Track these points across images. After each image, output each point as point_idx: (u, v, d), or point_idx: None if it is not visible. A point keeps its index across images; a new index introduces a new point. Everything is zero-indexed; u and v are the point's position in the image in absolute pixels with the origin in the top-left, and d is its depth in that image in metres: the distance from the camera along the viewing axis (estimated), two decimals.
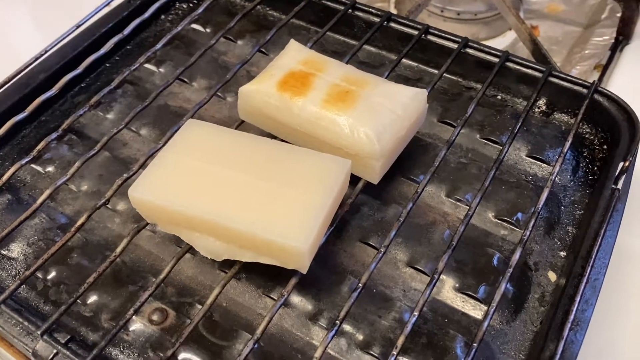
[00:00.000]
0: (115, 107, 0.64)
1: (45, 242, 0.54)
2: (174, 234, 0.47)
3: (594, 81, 0.59)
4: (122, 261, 0.52)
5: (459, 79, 0.66)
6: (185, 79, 0.66)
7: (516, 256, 0.47)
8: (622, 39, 0.81)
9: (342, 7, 0.67)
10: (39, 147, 0.55)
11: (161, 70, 0.68)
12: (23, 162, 0.54)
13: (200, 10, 0.67)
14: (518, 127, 0.55)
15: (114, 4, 0.70)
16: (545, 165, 0.59)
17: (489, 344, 0.47)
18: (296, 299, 0.50)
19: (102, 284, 0.50)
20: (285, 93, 0.52)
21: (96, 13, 0.67)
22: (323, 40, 0.68)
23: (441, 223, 0.54)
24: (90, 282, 0.46)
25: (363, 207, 0.55)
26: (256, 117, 0.55)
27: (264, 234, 0.42)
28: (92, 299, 0.50)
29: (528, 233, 0.48)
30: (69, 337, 0.45)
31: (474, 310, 0.49)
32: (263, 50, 0.68)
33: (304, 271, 0.45)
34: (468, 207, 0.50)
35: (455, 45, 0.64)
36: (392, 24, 0.67)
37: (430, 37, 0.65)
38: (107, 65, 0.69)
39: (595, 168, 0.58)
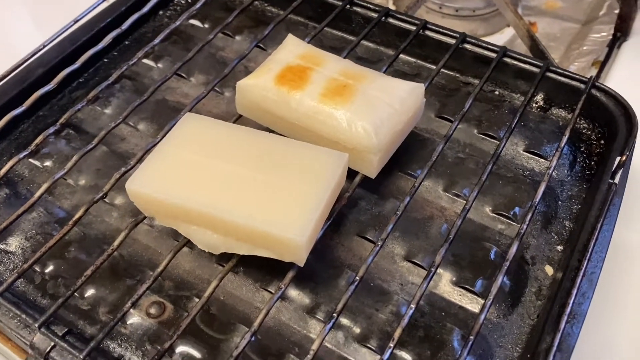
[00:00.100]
0: (113, 102, 0.64)
1: (43, 236, 0.54)
2: (171, 227, 0.48)
3: (591, 76, 0.60)
4: (120, 255, 0.52)
5: (457, 75, 0.66)
6: (183, 74, 0.66)
7: (513, 250, 0.47)
8: (619, 35, 0.81)
9: (340, 3, 0.67)
10: (37, 141, 0.55)
11: (159, 65, 0.68)
12: (21, 156, 0.54)
13: (198, 5, 0.67)
14: (515, 121, 0.56)
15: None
16: (543, 160, 0.59)
17: (486, 337, 0.48)
18: (293, 293, 0.50)
19: (99, 277, 0.50)
20: (283, 87, 0.52)
21: (94, 8, 0.67)
22: (321, 35, 0.68)
23: (438, 217, 0.55)
24: (87, 275, 0.46)
25: (360, 201, 0.55)
26: (254, 111, 0.55)
27: (261, 226, 0.42)
28: (90, 292, 0.50)
29: (525, 227, 0.48)
30: (66, 329, 0.45)
31: (471, 303, 0.49)
32: (261, 45, 0.68)
33: (301, 264, 0.45)
34: (465, 202, 0.50)
35: (453, 41, 0.64)
36: (390, 20, 0.67)
37: (428, 33, 0.65)
38: (105, 60, 0.69)
39: (593, 163, 0.59)
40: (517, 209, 0.54)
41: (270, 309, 0.44)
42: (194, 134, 0.48)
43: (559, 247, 0.53)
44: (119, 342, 0.48)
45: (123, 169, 0.52)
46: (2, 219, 0.54)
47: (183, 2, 0.76)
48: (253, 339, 0.43)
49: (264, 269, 0.51)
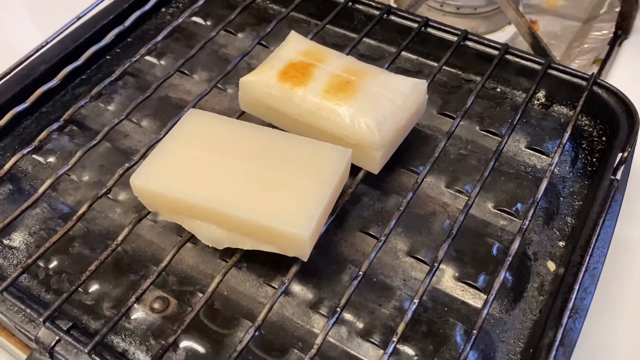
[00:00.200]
0: (116, 98, 0.64)
1: (47, 232, 0.54)
2: (175, 222, 0.48)
3: (593, 73, 0.60)
4: (124, 250, 0.52)
5: (459, 72, 0.66)
6: (186, 71, 0.67)
7: (515, 245, 0.47)
8: (620, 33, 0.81)
9: (342, 0, 0.67)
10: (41, 137, 0.55)
11: (162, 62, 0.68)
12: (25, 152, 0.54)
13: (200, 2, 0.67)
14: (517, 118, 0.56)
15: None
16: (545, 156, 0.59)
17: (489, 332, 0.48)
18: (297, 288, 0.50)
19: (103, 272, 0.50)
20: (286, 84, 0.52)
21: (97, 5, 0.67)
22: (323, 33, 0.69)
23: (441, 213, 0.55)
24: (92, 270, 0.46)
25: (363, 197, 0.55)
26: (257, 107, 0.55)
27: (265, 221, 0.43)
28: (94, 287, 0.50)
29: (527, 222, 0.48)
30: (70, 324, 0.45)
31: (474, 299, 0.50)
32: (263, 42, 0.68)
33: (305, 259, 0.45)
34: (468, 198, 0.50)
35: (454, 38, 0.64)
36: (392, 17, 0.67)
37: (429, 30, 0.65)
38: (108, 57, 0.69)
39: (594, 159, 0.59)
40: (519, 205, 0.55)
41: (274, 304, 0.44)
42: (198, 130, 0.48)
43: (561, 243, 0.53)
44: (123, 337, 0.48)
45: (127, 165, 0.52)
46: (5, 214, 0.55)
47: None
48: (257, 333, 0.43)
49: (267, 265, 0.51)
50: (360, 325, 0.48)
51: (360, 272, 0.45)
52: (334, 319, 0.43)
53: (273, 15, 0.73)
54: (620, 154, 0.54)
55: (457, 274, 0.51)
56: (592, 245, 0.48)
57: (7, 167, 0.53)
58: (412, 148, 0.58)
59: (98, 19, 0.68)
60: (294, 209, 0.43)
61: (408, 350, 0.47)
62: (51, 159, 0.59)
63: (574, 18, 0.88)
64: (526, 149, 0.60)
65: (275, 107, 0.53)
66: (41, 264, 0.51)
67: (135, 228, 0.49)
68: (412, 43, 0.64)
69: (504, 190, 0.56)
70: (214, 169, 0.46)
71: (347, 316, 0.48)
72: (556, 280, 0.50)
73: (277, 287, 0.49)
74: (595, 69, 0.78)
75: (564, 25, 0.88)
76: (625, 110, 0.58)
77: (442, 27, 0.65)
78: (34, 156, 0.59)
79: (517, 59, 0.62)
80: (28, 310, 0.45)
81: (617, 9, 0.81)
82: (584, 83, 0.60)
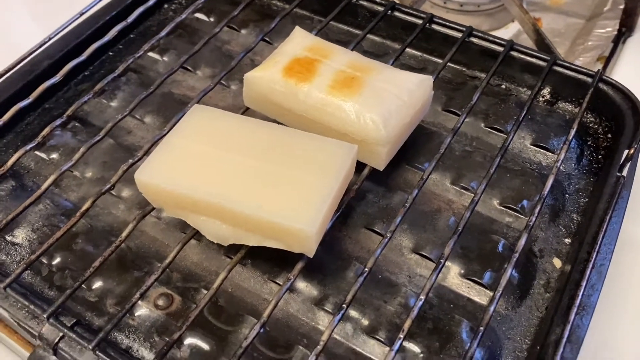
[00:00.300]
0: (119, 94, 0.64)
1: (50, 228, 0.54)
2: (180, 218, 0.47)
3: (598, 70, 0.60)
4: (127, 247, 0.52)
5: (463, 68, 0.66)
6: (189, 67, 0.66)
7: (522, 242, 0.47)
8: (624, 30, 0.81)
9: None
10: (44, 132, 0.55)
11: (165, 58, 0.68)
12: (27, 148, 0.54)
13: None
14: (523, 115, 0.55)
15: None
16: (550, 153, 0.59)
17: (495, 329, 0.48)
18: (301, 285, 0.50)
19: (107, 269, 0.50)
20: (291, 79, 0.52)
21: (100, 1, 0.67)
22: (327, 29, 0.68)
23: (446, 210, 0.54)
24: (96, 267, 0.46)
25: (368, 194, 0.55)
26: (261, 103, 0.55)
27: (271, 217, 0.42)
28: (97, 284, 0.50)
29: (534, 219, 0.48)
30: (74, 320, 0.44)
31: (479, 296, 0.49)
32: (267, 39, 0.68)
33: (311, 255, 0.44)
34: (473, 195, 0.50)
35: (459, 35, 0.64)
36: (396, 13, 0.67)
37: (434, 26, 0.65)
38: (111, 53, 0.69)
39: (600, 157, 0.59)
40: (525, 202, 0.54)
41: (279, 300, 0.44)
42: (203, 125, 0.48)
43: (567, 240, 0.53)
44: (127, 334, 0.47)
45: (130, 161, 0.52)
46: (8, 210, 0.54)
47: None
48: (262, 330, 0.43)
49: (272, 261, 0.50)
50: (366, 322, 0.48)
51: (366, 269, 0.45)
52: (340, 315, 0.43)
53: (276, 11, 0.73)
54: (626, 151, 0.54)
55: (462, 271, 0.50)
56: (599, 242, 0.47)
57: (10, 163, 0.53)
58: (416, 145, 0.58)
59: (101, 15, 0.67)
60: (300, 205, 0.43)
61: (414, 347, 0.46)
62: (54, 155, 0.59)
63: (577, 15, 0.88)
64: (531, 146, 0.59)
65: (279, 103, 0.53)
66: (44, 260, 0.51)
67: (139, 224, 0.49)
68: (417, 39, 0.64)
69: (509, 187, 0.56)
70: (219, 164, 0.45)
71: (353, 313, 0.48)
72: (562, 278, 0.50)
73: (281, 283, 0.49)
74: (599, 67, 0.78)
75: (568, 23, 0.88)
76: (631, 107, 0.57)
77: (447, 23, 0.65)
78: (36, 152, 0.59)
79: (522, 56, 0.62)
80: (32, 307, 0.44)
81: (621, 6, 0.81)
82: (589, 80, 0.59)
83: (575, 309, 0.44)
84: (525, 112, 0.56)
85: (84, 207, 0.49)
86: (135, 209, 0.54)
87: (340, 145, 0.47)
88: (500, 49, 0.62)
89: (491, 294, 0.49)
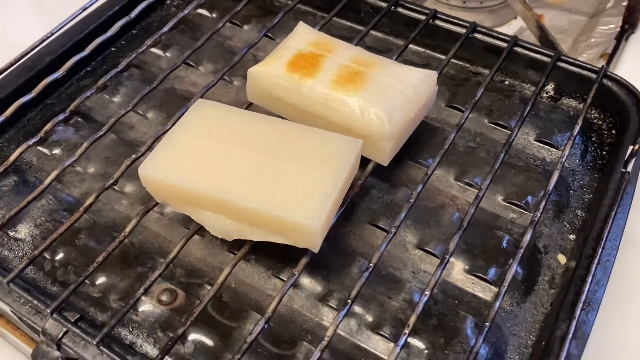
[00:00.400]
0: (122, 90, 0.64)
1: (52, 224, 0.53)
2: (184, 213, 0.47)
3: (602, 66, 0.59)
4: (130, 242, 0.52)
5: (467, 64, 0.66)
6: (192, 63, 0.66)
7: (527, 237, 0.47)
8: (627, 27, 0.81)
9: None
10: (46, 128, 0.55)
11: (167, 54, 0.68)
12: (30, 143, 0.54)
13: None
14: (527, 110, 0.55)
15: None
16: (554, 149, 0.58)
17: (500, 325, 0.47)
18: (305, 280, 0.49)
19: (110, 264, 0.50)
20: (295, 74, 0.51)
21: None
22: (329, 25, 0.68)
23: (450, 206, 0.54)
24: (99, 262, 0.45)
25: (372, 190, 0.55)
26: (265, 98, 0.54)
27: (276, 212, 0.42)
28: (101, 279, 0.49)
29: (539, 214, 0.48)
30: (78, 316, 0.44)
31: (484, 292, 0.49)
32: (269, 34, 0.68)
33: (316, 250, 0.44)
34: (477, 191, 0.50)
35: (463, 31, 0.63)
36: (400, 9, 0.66)
37: (437, 22, 0.65)
38: (113, 49, 0.68)
39: (604, 153, 0.58)
40: (529, 198, 0.54)
41: (283, 295, 0.44)
42: (207, 120, 0.48)
43: (572, 236, 0.53)
44: (130, 329, 0.47)
45: (133, 156, 0.52)
46: (11, 206, 0.54)
47: None
48: (266, 326, 0.43)
49: (276, 257, 0.50)
50: (370, 317, 0.47)
51: (371, 265, 0.45)
52: (345, 311, 0.43)
53: (278, 7, 0.73)
54: (631, 147, 0.54)
55: (467, 267, 0.50)
56: (604, 238, 0.47)
57: (12, 158, 0.53)
58: (420, 140, 0.58)
59: (103, 10, 0.67)
60: (305, 200, 0.42)
61: (418, 343, 0.46)
62: (56, 151, 0.58)
63: (580, 12, 0.88)
64: (535, 142, 0.59)
65: (283, 98, 0.52)
66: (47, 255, 0.51)
67: (142, 220, 0.49)
68: (420, 35, 0.63)
69: (513, 182, 0.55)
70: (223, 159, 0.45)
71: (357, 309, 0.48)
72: (567, 274, 0.50)
73: (285, 279, 0.49)
74: (602, 64, 0.77)
75: (570, 20, 0.87)
76: (635, 103, 0.57)
77: (451, 19, 0.64)
78: (38, 148, 0.59)
79: (526, 52, 0.62)
80: (35, 302, 0.44)
81: (624, 3, 0.81)
82: (593, 76, 0.59)
83: (580, 305, 0.44)
84: (529, 107, 0.56)
85: (87, 203, 0.49)
86: (138, 204, 0.54)
87: (345, 140, 0.47)
88: (504, 44, 0.62)
89: (496, 289, 0.49)
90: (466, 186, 0.55)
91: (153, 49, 0.67)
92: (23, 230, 0.53)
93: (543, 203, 0.49)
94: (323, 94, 0.50)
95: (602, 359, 0.50)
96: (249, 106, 0.56)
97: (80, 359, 0.44)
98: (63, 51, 0.63)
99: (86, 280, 0.46)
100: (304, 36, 0.55)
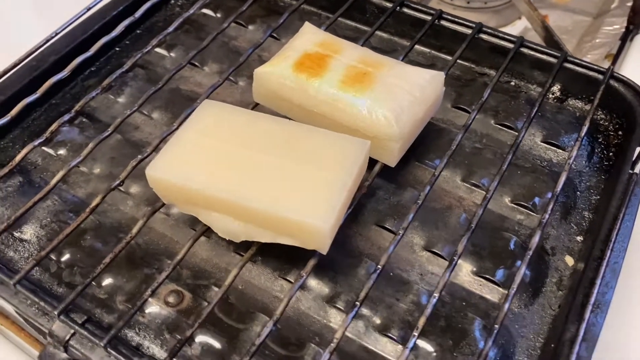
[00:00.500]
0: (126, 90, 0.63)
1: (58, 224, 0.53)
2: (191, 214, 0.47)
3: (609, 67, 0.59)
4: (136, 243, 0.51)
5: (472, 65, 0.66)
6: (197, 63, 0.66)
7: (535, 239, 0.46)
8: (632, 28, 0.81)
9: None
10: (52, 128, 0.54)
11: (172, 54, 0.67)
12: (36, 143, 0.53)
13: None
14: (534, 112, 0.55)
15: None
16: (561, 150, 0.58)
17: (508, 327, 0.47)
18: (312, 282, 0.49)
19: (116, 266, 0.49)
20: (302, 74, 0.51)
21: None
22: (334, 26, 0.68)
23: (457, 207, 0.54)
24: (106, 263, 0.45)
25: (378, 191, 0.55)
26: (271, 99, 0.54)
27: (285, 213, 0.42)
28: (107, 281, 0.49)
29: (547, 216, 0.48)
30: (85, 317, 0.44)
31: (492, 293, 0.49)
32: (275, 35, 0.68)
33: (325, 252, 0.44)
34: (484, 192, 0.50)
35: (468, 31, 0.63)
36: (405, 10, 0.66)
37: (443, 23, 0.65)
38: (117, 49, 0.68)
39: (611, 154, 0.58)
40: (536, 199, 0.54)
41: (292, 297, 0.44)
42: (214, 121, 0.47)
43: (579, 238, 0.53)
44: (137, 331, 0.47)
45: (140, 157, 0.51)
46: (16, 206, 0.54)
47: None
48: (274, 328, 0.43)
49: (282, 258, 0.50)
50: (378, 320, 0.47)
51: (379, 266, 0.45)
52: (353, 313, 0.43)
53: (283, 7, 0.73)
54: (638, 148, 0.54)
55: (474, 269, 0.50)
56: (612, 240, 0.47)
57: (18, 158, 0.52)
58: (426, 141, 0.57)
59: (107, 10, 0.67)
60: (314, 201, 0.42)
61: (427, 345, 0.46)
62: (61, 151, 0.58)
63: (584, 13, 0.88)
64: (542, 143, 0.59)
65: (290, 99, 0.52)
66: (53, 256, 0.51)
67: (148, 221, 0.49)
68: (425, 36, 0.63)
69: (520, 184, 0.55)
70: (231, 160, 0.45)
71: (364, 310, 0.48)
72: (575, 275, 0.50)
73: (292, 280, 0.49)
74: (607, 64, 0.77)
75: (575, 20, 0.87)
76: None
77: (456, 19, 0.64)
78: (43, 148, 0.58)
79: (533, 52, 0.62)
80: (42, 304, 0.44)
81: (629, 4, 0.81)
82: (600, 77, 0.59)
83: (590, 307, 0.44)
84: (536, 109, 0.55)
85: (94, 203, 0.49)
86: (144, 205, 0.54)
87: (354, 141, 0.47)
88: (510, 45, 0.62)
89: (503, 291, 0.49)
90: (473, 187, 0.55)
91: (157, 49, 0.67)
92: (28, 231, 0.53)
93: (551, 205, 0.48)
94: (330, 95, 0.50)
95: None
96: (255, 107, 0.56)
97: None
98: (67, 51, 0.63)
99: (92, 282, 0.46)
100: (310, 36, 0.55)
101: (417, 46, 0.67)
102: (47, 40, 0.61)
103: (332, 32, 0.65)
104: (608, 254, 0.46)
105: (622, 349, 0.51)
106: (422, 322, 0.42)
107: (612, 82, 0.59)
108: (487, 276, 0.50)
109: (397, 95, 0.50)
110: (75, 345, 0.43)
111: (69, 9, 0.64)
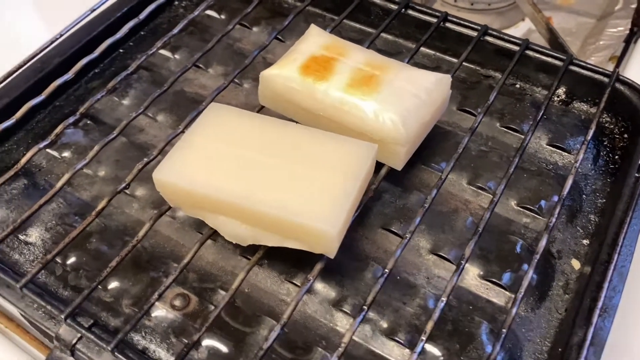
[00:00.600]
0: (131, 92, 0.63)
1: (63, 227, 0.53)
2: (198, 218, 0.47)
3: (615, 70, 0.59)
4: (142, 247, 0.51)
5: (478, 68, 0.66)
6: (201, 65, 0.66)
7: (542, 243, 0.46)
8: (636, 30, 0.80)
9: None
10: (57, 130, 0.54)
11: (176, 56, 0.67)
12: (40, 145, 0.53)
13: None
14: (540, 115, 0.55)
15: None
16: (566, 153, 0.58)
17: (515, 331, 0.47)
18: (319, 286, 0.49)
19: (122, 269, 0.49)
20: (308, 77, 0.51)
21: None
22: (339, 27, 0.67)
23: (463, 211, 0.54)
24: (112, 267, 0.45)
25: (384, 194, 0.54)
26: (277, 102, 0.54)
27: (292, 217, 0.42)
28: (113, 284, 0.49)
29: (554, 219, 0.48)
30: (92, 321, 0.44)
31: (498, 297, 0.49)
32: (279, 37, 0.68)
33: (332, 256, 0.44)
34: (492, 195, 0.50)
35: (474, 34, 0.63)
36: (410, 12, 0.66)
37: (448, 25, 0.65)
38: (121, 51, 0.68)
39: (616, 157, 0.58)
40: (542, 203, 0.54)
41: (299, 301, 0.43)
42: (221, 124, 0.47)
43: (585, 241, 0.52)
44: (143, 335, 0.47)
45: (145, 160, 0.51)
46: (21, 209, 0.54)
47: None
48: (281, 332, 0.43)
49: (289, 262, 0.50)
50: (385, 323, 0.47)
51: (386, 270, 0.45)
52: (361, 317, 0.43)
53: (288, 9, 0.72)
54: None
55: (481, 272, 0.50)
56: (620, 243, 0.47)
57: (23, 161, 0.52)
58: (432, 144, 0.57)
59: (112, 12, 0.67)
60: (322, 205, 0.42)
61: (434, 349, 0.46)
62: (66, 154, 0.58)
63: (588, 15, 0.88)
64: (547, 146, 0.59)
65: (296, 102, 0.52)
66: (58, 260, 0.50)
67: (154, 224, 0.49)
68: (430, 38, 0.63)
69: (526, 187, 0.55)
70: (238, 163, 0.45)
71: (371, 314, 0.47)
72: (581, 279, 0.50)
73: (299, 284, 0.49)
74: (611, 67, 0.77)
75: (579, 22, 0.87)
76: None
77: (462, 22, 0.64)
78: (48, 150, 0.58)
79: (538, 55, 0.62)
80: (48, 307, 0.44)
81: (633, 6, 0.81)
82: (605, 80, 0.59)
83: (597, 311, 0.43)
84: (543, 111, 0.55)
85: (100, 207, 0.49)
86: (149, 208, 0.54)
87: (361, 145, 0.46)
88: (516, 48, 0.62)
89: (510, 295, 0.49)
90: (479, 190, 0.55)
91: (162, 51, 0.67)
92: (34, 234, 0.52)
93: (558, 208, 0.48)
94: (337, 98, 0.50)
95: None
96: (261, 109, 0.56)
97: None
98: (71, 53, 0.63)
99: (99, 285, 0.46)
100: (316, 39, 0.55)
101: (422, 48, 0.67)
102: (52, 42, 0.61)
103: (336, 34, 0.65)
104: (615, 258, 0.46)
105: (629, 353, 0.50)
106: (430, 326, 0.42)
107: (617, 85, 0.59)
108: (494, 280, 0.49)
109: (404, 99, 0.50)
110: (82, 349, 0.43)
111: (73, 11, 0.64)
